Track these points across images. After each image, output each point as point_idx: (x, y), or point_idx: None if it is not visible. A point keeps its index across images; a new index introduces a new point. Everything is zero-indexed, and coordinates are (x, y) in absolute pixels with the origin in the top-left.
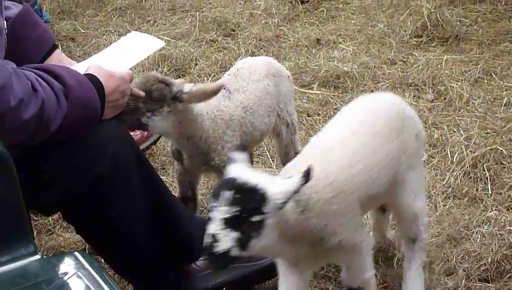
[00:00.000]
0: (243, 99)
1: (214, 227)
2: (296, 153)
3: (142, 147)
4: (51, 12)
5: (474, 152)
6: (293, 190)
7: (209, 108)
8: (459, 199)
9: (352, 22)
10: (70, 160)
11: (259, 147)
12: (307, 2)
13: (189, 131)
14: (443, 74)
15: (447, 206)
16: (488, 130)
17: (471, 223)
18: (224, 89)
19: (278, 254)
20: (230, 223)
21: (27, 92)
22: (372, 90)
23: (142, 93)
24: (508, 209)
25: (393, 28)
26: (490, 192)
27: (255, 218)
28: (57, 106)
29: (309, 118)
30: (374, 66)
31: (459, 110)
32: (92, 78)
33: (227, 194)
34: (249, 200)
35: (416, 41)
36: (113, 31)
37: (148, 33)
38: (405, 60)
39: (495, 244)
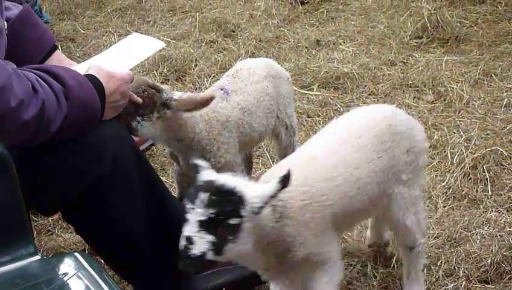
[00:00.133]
0: (241, 100)
1: (189, 229)
2: None
3: (142, 148)
4: (51, 13)
5: (474, 153)
6: (270, 194)
7: (204, 110)
8: (459, 200)
9: (352, 23)
10: (71, 161)
11: (259, 148)
12: (306, 3)
13: (178, 134)
14: (443, 75)
15: (447, 208)
16: (488, 132)
17: (471, 224)
18: (222, 90)
19: (250, 261)
20: (206, 225)
21: (27, 93)
22: (372, 92)
23: (140, 100)
24: (508, 211)
25: (393, 29)
26: (490, 193)
27: (232, 221)
28: (57, 106)
29: (309, 119)
30: (374, 67)
31: (459, 112)
32: (92, 79)
33: (204, 196)
34: (226, 202)
35: (416, 42)
36: (113, 31)
37: (148, 34)
38: (405, 61)
39: (495, 246)
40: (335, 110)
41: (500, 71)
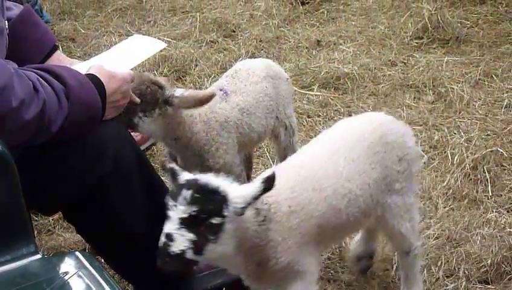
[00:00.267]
0: (240, 101)
1: (170, 226)
2: None
3: (142, 147)
4: (52, 12)
5: (474, 154)
6: (253, 195)
7: (202, 110)
8: (459, 200)
9: (353, 23)
10: (71, 160)
11: (259, 148)
12: (307, 3)
13: (176, 133)
14: (444, 75)
15: (447, 208)
16: (489, 132)
17: (471, 225)
18: (221, 90)
19: (230, 265)
20: (187, 223)
21: (28, 93)
22: (372, 92)
23: (138, 100)
24: (508, 211)
25: (394, 30)
26: (490, 194)
27: (214, 220)
28: (58, 106)
29: (309, 119)
30: (375, 68)
31: (460, 112)
32: (93, 79)
33: (187, 193)
34: (209, 201)
35: (416, 43)
36: (113, 31)
37: (149, 34)
38: (405, 61)
39: (495, 246)
40: (335, 110)
41: (500, 72)
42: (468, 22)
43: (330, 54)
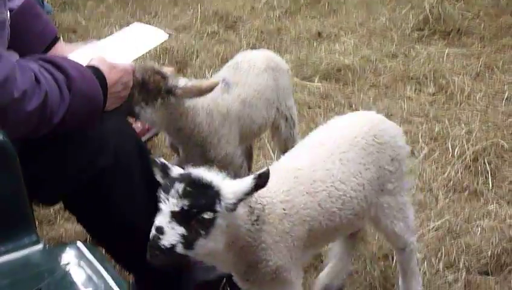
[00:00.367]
0: (242, 92)
1: (161, 219)
2: None
3: (144, 138)
4: (53, 3)
5: (475, 146)
6: (245, 190)
7: (204, 101)
8: (459, 192)
9: (354, 15)
10: (72, 152)
11: (260, 140)
12: None
13: (178, 124)
14: (444, 67)
15: (448, 200)
16: (489, 124)
17: (471, 216)
18: (222, 82)
19: (220, 264)
20: (178, 216)
21: (30, 84)
22: (373, 83)
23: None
24: (508, 203)
25: (395, 22)
26: (491, 186)
27: (206, 215)
28: (59, 97)
29: (310, 110)
30: (376, 59)
31: (461, 104)
32: (94, 70)
33: (179, 187)
34: (201, 195)
35: (417, 34)
36: (114, 23)
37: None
38: (406, 53)
39: (495, 238)
40: (336, 101)
41: (501, 64)
42: (469, 14)
43: (331, 46)
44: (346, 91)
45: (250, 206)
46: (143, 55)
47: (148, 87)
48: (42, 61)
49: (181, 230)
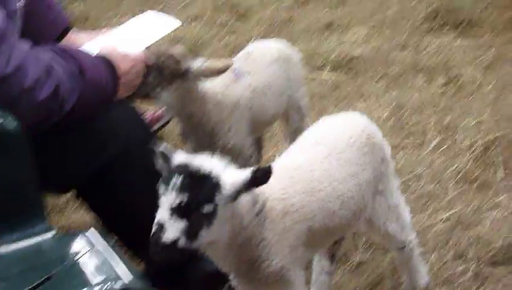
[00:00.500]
0: (253, 82)
1: (161, 215)
2: None
3: (154, 128)
4: None
5: (485, 137)
6: (242, 182)
7: (215, 89)
8: (469, 183)
9: (364, 6)
10: (82, 141)
11: (270, 130)
12: None
13: (190, 109)
14: (455, 58)
15: (457, 191)
16: (500, 115)
17: (481, 207)
18: (234, 71)
19: (222, 259)
20: (178, 211)
21: (42, 73)
22: (383, 75)
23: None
24: None
25: (406, 13)
26: (500, 177)
27: (206, 207)
28: (71, 87)
29: (320, 101)
30: (386, 51)
31: (471, 95)
32: (105, 60)
33: (177, 181)
34: (199, 188)
35: (428, 26)
36: (124, 12)
37: None
38: (417, 44)
39: (505, 229)
40: (346, 92)
41: None
42: (480, 5)
43: (341, 37)
44: (356, 82)
45: (253, 197)
46: (155, 42)
47: (163, 71)
48: (54, 51)
49: (182, 224)
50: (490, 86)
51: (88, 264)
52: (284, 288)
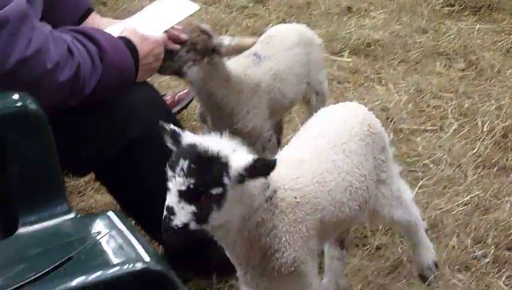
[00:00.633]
0: (273, 66)
1: (170, 199)
2: None
3: (173, 111)
4: None
5: (504, 122)
6: (243, 167)
7: (237, 71)
8: (488, 168)
9: None
10: (102, 123)
11: (289, 114)
12: None
13: (213, 87)
14: (475, 43)
15: (476, 176)
16: None
17: (500, 192)
18: (254, 55)
19: (233, 245)
20: (186, 195)
21: (63, 55)
22: (402, 59)
23: (186, 37)
24: None
25: None
26: None
27: (214, 191)
28: (91, 69)
29: (339, 85)
30: (405, 35)
31: (491, 80)
32: (126, 42)
33: (184, 164)
34: (207, 171)
35: (448, 10)
36: None
37: None
38: (436, 29)
39: None
40: (365, 77)
41: None
42: None
43: (361, 21)
44: (375, 66)
45: (265, 181)
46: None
47: (196, 46)
48: (74, 33)
49: (191, 208)
50: (510, 70)
51: (108, 245)
52: (297, 280)
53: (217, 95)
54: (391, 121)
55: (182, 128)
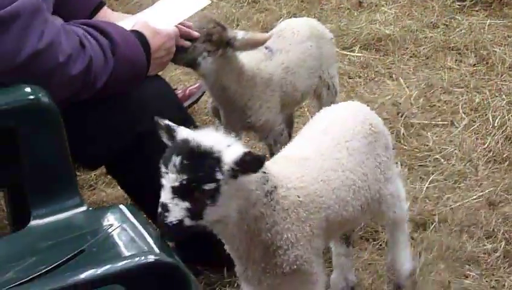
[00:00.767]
0: (285, 59)
1: (164, 196)
2: None
3: (185, 105)
4: None
5: None
6: (234, 160)
7: (249, 66)
8: (499, 163)
9: None
10: (114, 117)
11: (300, 108)
12: None
13: (225, 80)
14: (486, 38)
15: (487, 170)
16: None
17: (511, 187)
18: (266, 48)
19: (233, 241)
20: (179, 192)
21: (75, 48)
22: (413, 54)
23: (197, 34)
24: None
25: None
26: None
27: (207, 186)
28: (103, 62)
29: (350, 80)
30: (416, 30)
31: (502, 75)
32: (138, 35)
33: (176, 160)
34: (199, 167)
35: (459, 5)
36: None
37: None
38: (447, 23)
39: None
40: (376, 71)
41: None
42: None
43: (372, 15)
44: (386, 61)
45: (264, 173)
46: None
47: (211, 37)
48: (86, 26)
49: (185, 204)
50: None
51: (120, 238)
52: (301, 279)
53: (230, 89)
54: (402, 115)
55: (193, 122)
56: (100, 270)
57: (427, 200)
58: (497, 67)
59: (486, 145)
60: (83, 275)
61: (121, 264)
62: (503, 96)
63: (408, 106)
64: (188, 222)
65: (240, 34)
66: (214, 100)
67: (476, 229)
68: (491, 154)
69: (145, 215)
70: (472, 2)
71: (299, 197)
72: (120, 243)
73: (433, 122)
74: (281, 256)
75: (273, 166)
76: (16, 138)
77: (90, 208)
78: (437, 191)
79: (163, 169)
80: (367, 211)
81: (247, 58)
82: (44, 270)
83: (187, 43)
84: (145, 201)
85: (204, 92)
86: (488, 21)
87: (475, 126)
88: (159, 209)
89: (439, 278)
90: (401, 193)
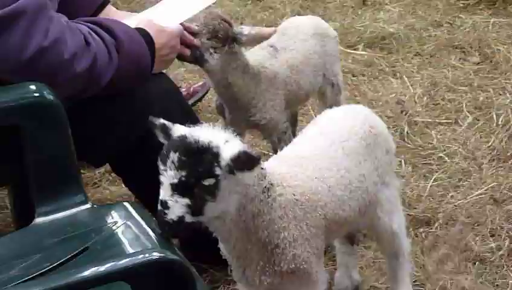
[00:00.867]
0: (289, 58)
1: (164, 193)
2: None
3: (189, 102)
4: None
5: None
6: (230, 157)
7: (253, 64)
8: (503, 161)
9: None
10: (118, 114)
11: (304, 106)
12: None
13: (230, 78)
14: (490, 36)
15: (491, 169)
16: None
17: None
18: (270, 46)
19: (230, 237)
20: (179, 188)
21: (80, 46)
22: (417, 52)
23: (205, 33)
24: None
25: None
26: None
27: (207, 182)
28: (108, 60)
29: (354, 78)
30: (420, 28)
31: (506, 74)
32: (142, 33)
33: (174, 157)
34: (197, 162)
35: (463, 3)
36: None
37: None
38: (451, 22)
39: None
40: (380, 70)
41: None
42: None
43: (376, 14)
44: (390, 59)
45: (262, 169)
46: (189, 18)
47: (218, 33)
48: (91, 24)
49: (185, 201)
50: None
51: (125, 235)
52: (301, 279)
53: (235, 87)
54: (406, 114)
55: (198, 119)
56: (104, 268)
57: (431, 198)
58: (501, 65)
59: (490, 144)
60: (87, 273)
61: (125, 261)
62: (507, 95)
63: (412, 104)
64: (188, 218)
65: (246, 29)
66: (219, 98)
67: (480, 227)
68: (495, 152)
69: (149, 213)
70: (476, 1)
71: (294, 195)
72: (124, 241)
73: (437, 120)
74: (279, 255)
75: (270, 164)
76: (18, 135)
77: (95, 205)
78: (441, 189)
79: (161, 167)
80: (365, 214)
81: (252, 56)
82: (49, 268)
83: (196, 41)
84: (150, 199)
85: (209, 90)
86: (492, 19)
87: (479, 124)
88: (159, 207)
89: (443, 275)
90: (398, 205)
